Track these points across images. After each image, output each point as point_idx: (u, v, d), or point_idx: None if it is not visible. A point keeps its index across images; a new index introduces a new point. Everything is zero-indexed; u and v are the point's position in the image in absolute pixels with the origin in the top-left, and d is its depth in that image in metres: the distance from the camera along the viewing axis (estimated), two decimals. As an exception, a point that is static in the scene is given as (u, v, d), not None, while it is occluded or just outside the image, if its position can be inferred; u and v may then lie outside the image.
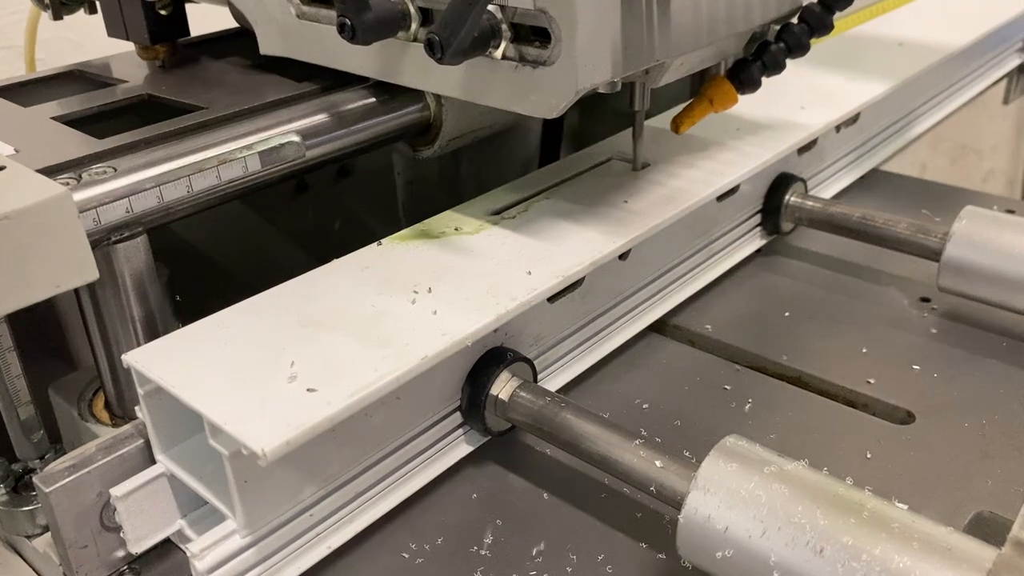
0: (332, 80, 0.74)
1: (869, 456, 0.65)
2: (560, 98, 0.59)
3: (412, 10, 0.63)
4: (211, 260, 0.90)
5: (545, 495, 0.63)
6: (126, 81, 0.77)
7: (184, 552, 0.58)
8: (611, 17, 0.58)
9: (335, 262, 0.66)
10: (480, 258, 0.66)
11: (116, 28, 0.80)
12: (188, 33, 0.82)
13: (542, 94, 0.60)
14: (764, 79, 0.77)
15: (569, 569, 0.57)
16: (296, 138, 0.66)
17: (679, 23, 0.63)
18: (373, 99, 0.74)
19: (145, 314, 0.62)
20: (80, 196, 0.56)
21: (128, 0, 0.77)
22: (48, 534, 0.61)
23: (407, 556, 0.58)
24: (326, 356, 0.55)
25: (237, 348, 0.56)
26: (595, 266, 0.66)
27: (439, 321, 0.59)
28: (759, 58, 0.75)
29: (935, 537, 0.46)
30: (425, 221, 0.72)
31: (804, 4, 0.75)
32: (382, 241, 0.69)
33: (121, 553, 0.57)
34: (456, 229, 0.70)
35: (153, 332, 0.62)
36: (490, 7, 0.58)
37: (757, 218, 0.89)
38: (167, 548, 0.59)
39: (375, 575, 0.57)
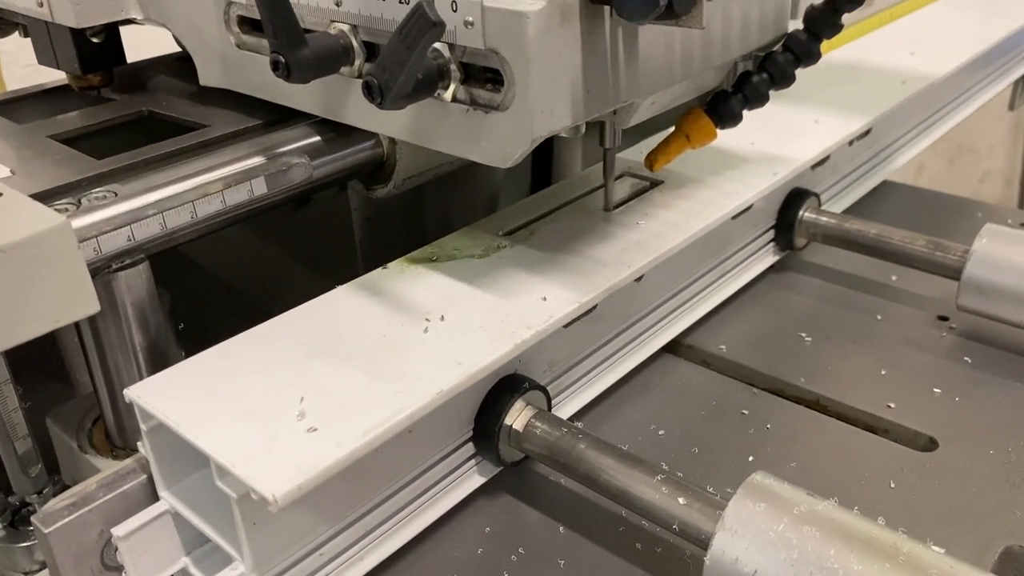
0: (277, 114, 0.68)
1: (893, 486, 0.63)
2: (515, 147, 0.54)
3: (356, 45, 0.57)
4: (209, 277, 0.87)
5: (561, 528, 0.61)
6: (125, 96, 0.75)
7: (188, 591, 0.56)
8: (570, 57, 0.53)
9: (342, 288, 0.64)
10: (492, 283, 0.64)
11: (46, 56, 0.74)
12: (124, 61, 0.77)
13: (495, 141, 0.55)
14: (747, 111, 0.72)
15: (588, 609, 0.55)
16: (304, 159, 0.64)
17: (649, 60, 0.58)
18: (318, 137, 0.68)
19: (147, 343, 0.60)
20: (80, 224, 0.54)
21: (56, 27, 0.70)
22: (46, 571, 0.58)
23: (420, 595, 0.56)
24: (336, 391, 0.53)
25: (243, 382, 0.54)
26: (612, 291, 0.64)
27: (453, 351, 0.56)
28: (740, 90, 0.70)
29: (975, 584, 0.45)
30: (434, 243, 0.70)
31: (789, 32, 0.70)
32: (388, 265, 0.67)
33: (122, 593, 0.56)
34: (466, 251, 0.68)
35: (155, 361, 0.60)
36: (438, 45, 0.54)
37: (770, 234, 0.87)
38: (170, 586, 0.57)
39: (387, 615, 0.55)
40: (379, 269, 0.66)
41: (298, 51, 0.52)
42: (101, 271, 0.56)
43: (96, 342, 0.60)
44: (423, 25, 0.48)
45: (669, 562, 0.58)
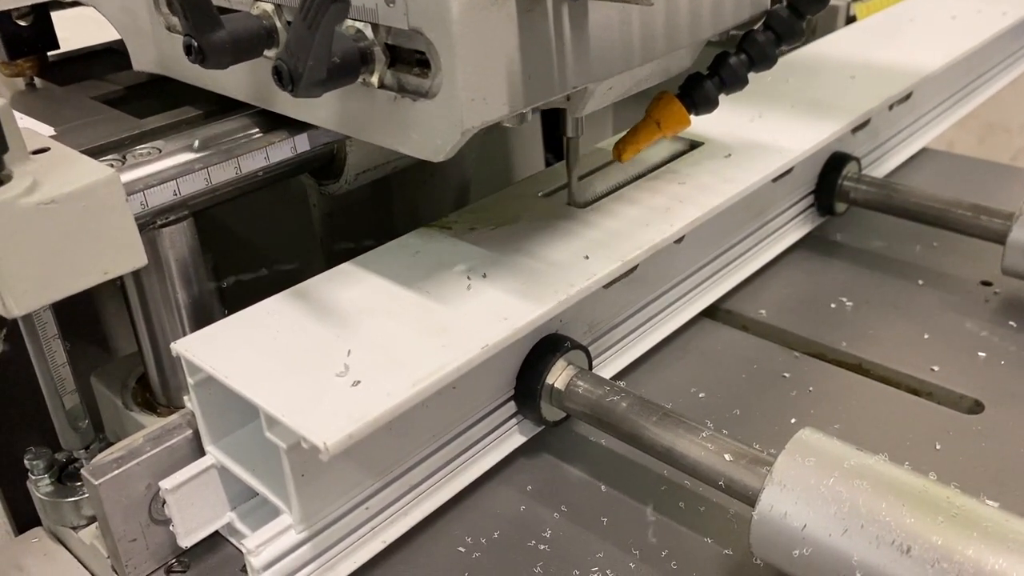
0: (215, 105, 0.64)
1: (939, 447, 0.62)
2: (445, 138, 0.49)
3: (280, 26, 0.51)
4: (247, 243, 0.87)
5: (602, 487, 0.61)
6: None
7: (233, 545, 0.57)
8: (505, 39, 0.48)
9: (385, 246, 0.64)
10: (533, 243, 0.64)
11: None
12: (56, 45, 0.71)
13: (424, 132, 0.50)
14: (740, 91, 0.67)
15: (632, 565, 0.55)
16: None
17: (601, 41, 0.53)
18: (257, 129, 0.62)
19: (191, 301, 0.60)
20: (127, 178, 0.54)
21: (-22, 10, 0.65)
22: (94, 525, 0.59)
23: (463, 550, 0.56)
24: (382, 344, 0.53)
25: (290, 336, 0.54)
26: (654, 250, 0.64)
27: (498, 307, 0.56)
28: (716, 73, 0.66)
29: (1031, 537, 0.44)
30: (469, 206, 0.70)
31: (769, 8, 0.65)
32: (423, 228, 0.66)
33: (169, 546, 0.56)
34: (504, 213, 0.68)
35: (199, 319, 0.60)
36: (359, 25, 0.49)
37: (810, 199, 0.86)
38: (215, 541, 0.58)
39: (431, 570, 0.55)
40: (415, 231, 0.66)
41: (212, 34, 0.47)
42: (147, 227, 0.56)
43: (141, 299, 0.60)
44: (322, 3, 0.43)
45: (713, 521, 0.58)
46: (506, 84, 0.49)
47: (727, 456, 0.53)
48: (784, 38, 0.65)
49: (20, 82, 0.72)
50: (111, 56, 0.77)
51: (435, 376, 0.50)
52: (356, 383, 0.50)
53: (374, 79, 0.51)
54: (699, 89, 0.67)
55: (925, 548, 0.44)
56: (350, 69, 0.49)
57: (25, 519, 0.63)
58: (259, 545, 0.50)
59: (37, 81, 0.72)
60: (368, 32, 0.50)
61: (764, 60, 0.66)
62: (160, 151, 0.57)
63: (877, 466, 0.49)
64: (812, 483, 0.48)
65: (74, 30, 0.85)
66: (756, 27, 0.66)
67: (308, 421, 0.46)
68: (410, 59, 0.50)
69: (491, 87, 0.48)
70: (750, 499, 0.50)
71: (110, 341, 0.82)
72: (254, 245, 0.84)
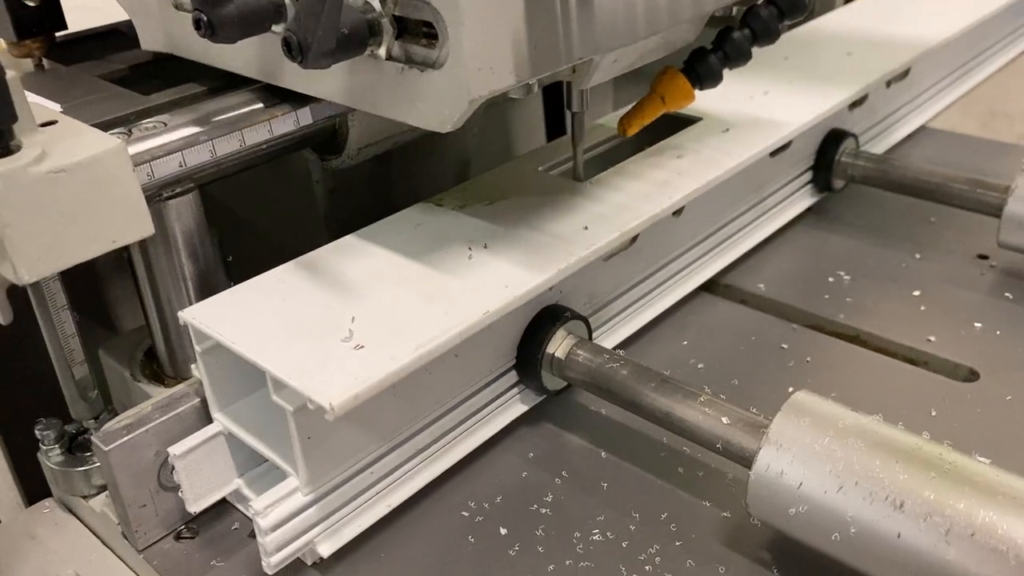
0: (219, 82, 0.64)
1: (934, 414, 0.63)
2: (453, 108, 0.49)
3: (287, 1, 0.51)
4: (252, 220, 0.88)
5: (603, 454, 0.62)
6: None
7: (241, 511, 0.58)
8: (511, 8, 0.48)
9: (387, 219, 0.65)
10: (533, 214, 0.65)
11: None
12: (64, 26, 0.71)
13: (431, 102, 0.50)
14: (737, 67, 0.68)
15: (632, 528, 0.56)
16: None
17: (606, 13, 0.53)
18: (260, 103, 0.62)
19: (197, 272, 0.61)
20: (133, 150, 0.55)
21: (-14, -12, 0.65)
22: (104, 494, 0.60)
23: (467, 514, 0.57)
24: (386, 311, 0.54)
25: (295, 304, 0.55)
26: (653, 221, 0.65)
27: (499, 276, 0.57)
28: (720, 48, 0.67)
29: (1021, 491, 0.45)
30: (470, 180, 0.71)
31: None
32: (424, 202, 0.67)
33: (178, 512, 0.57)
34: (505, 186, 0.69)
35: (205, 291, 0.61)
36: None
37: (808, 175, 0.87)
38: (223, 508, 0.59)
39: (435, 533, 0.56)
40: (416, 205, 0.67)
41: (221, 8, 0.48)
42: (153, 199, 0.57)
43: (148, 272, 0.61)
44: None
45: (711, 485, 0.59)
46: (512, 54, 0.49)
47: (724, 419, 0.54)
48: (787, 13, 0.66)
49: (29, 63, 0.73)
50: (116, 37, 0.78)
51: (437, 341, 0.51)
52: (360, 347, 0.51)
53: (382, 51, 0.51)
54: (703, 63, 0.68)
55: (918, 503, 0.45)
56: (358, 40, 0.49)
57: (36, 490, 0.64)
58: (267, 506, 0.51)
59: (45, 62, 0.72)
60: (376, 4, 0.50)
61: (766, 34, 0.67)
62: (166, 125, 0.58)
63: (871, 425, 0.50)
64: (807, 442, 0.49)
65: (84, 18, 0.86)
66: (759, 2, 0.67)
67: (314, 383, 0.47)
68: (417, 30, 0.50)
69: (498, 57, 0.49)
70: (747, 460, 0.51)
71: (116, 320, 0.83)
72: (259, 222, 0.85)
